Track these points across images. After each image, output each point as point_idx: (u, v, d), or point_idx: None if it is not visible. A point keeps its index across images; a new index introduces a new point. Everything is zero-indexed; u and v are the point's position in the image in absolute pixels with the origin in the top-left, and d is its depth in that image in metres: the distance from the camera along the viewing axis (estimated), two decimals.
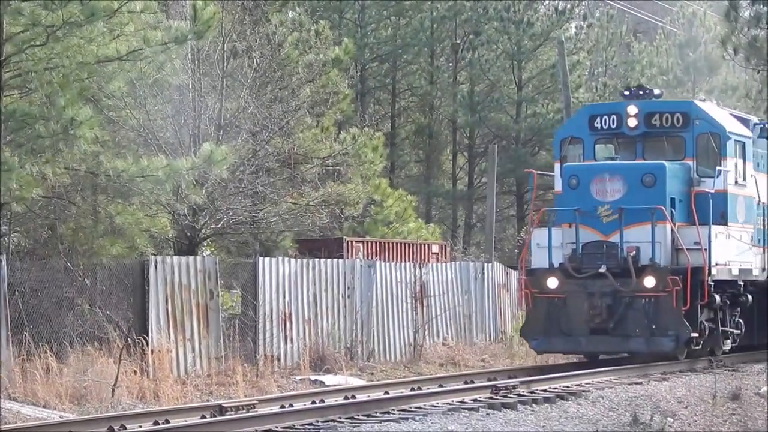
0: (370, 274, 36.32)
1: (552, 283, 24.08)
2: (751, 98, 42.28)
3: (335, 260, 35.99)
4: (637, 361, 29.16)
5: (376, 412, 21.67)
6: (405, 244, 45.18)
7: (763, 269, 26.79)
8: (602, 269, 23.32)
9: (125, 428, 19.37)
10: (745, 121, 27.79)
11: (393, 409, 22.25)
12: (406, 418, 20.92)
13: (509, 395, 23.90)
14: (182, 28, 30.82)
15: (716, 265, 23.90)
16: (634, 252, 23.01)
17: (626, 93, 27.13)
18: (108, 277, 29.65)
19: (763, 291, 27.46)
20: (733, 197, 25.24)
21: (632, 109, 25.94)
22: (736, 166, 25.57)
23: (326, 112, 41.11)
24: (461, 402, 22.97)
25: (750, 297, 26.68)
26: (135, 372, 26.44)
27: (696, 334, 24.19)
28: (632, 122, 25.82)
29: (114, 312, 28.54)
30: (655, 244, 23.10)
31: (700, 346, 25.35)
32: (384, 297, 36.43)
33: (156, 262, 30.09)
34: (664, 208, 23.54)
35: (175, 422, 20.20)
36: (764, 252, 27.05)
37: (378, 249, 41.25)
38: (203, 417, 21.18)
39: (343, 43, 43.80)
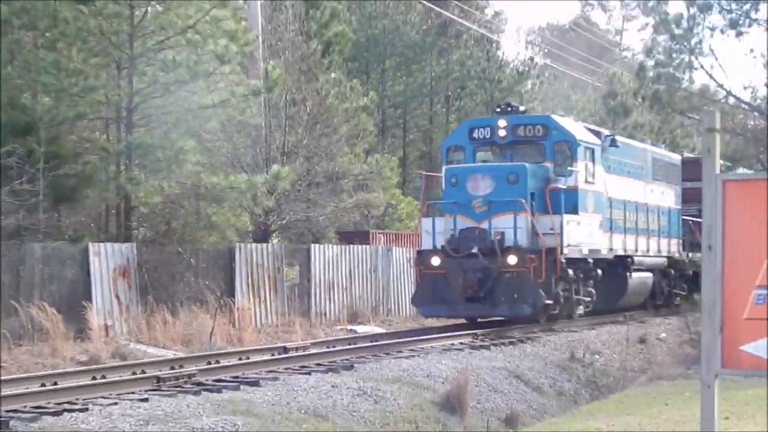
0: (389, 256, 37.16)
1: (435, 261, 23.83)
2: (654, 132, 42.13)
3: (364, 246, 36.52)
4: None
5: (392, 351, 22.00)
6: (413, 235, 45.18)
7: (610, 249, 26.77)
8: (474, 250, 23.05)
9: (219, 362, 19.52)
10: (597, 133, 27.85)
11: (403, 349, 22.45)
12: (413, 356, 21.19)
13: (485, 340, 23.89)
14: (257, 84, 31.87)
15: (568, 246, 23.77)
16: (499, 236, 22.88)
17: (498, 110, 27.21)
18: (207, 258, 30.07)
19: (610, 266, 27.36)
20: (584, 192, 25.08)
21: (502, 122, 25.69)
22: (586, 168, 25.42)
23: (357, 143, 41.23)
24: (451, 344, 23.16)
25: (600, 272, 26.53)
26: (225, 324, 26.71)
27: (551, 302, 23.89)
28: (502, 132, 25.54)
29: (211, 282, 28.82)
30: (517, 229, 22.94)
31: (557, 311, 25.04)
32: (398, 272, 36.68)
33: (240, 247, 30.81)
34: (524, 200, 23.15)
35: (253, 358, 20.28)
36: (611, 236, 26.87)
37: (394, 239, 41.58)
38: (272, 354, 21.48)
39: (369, 94, 43.98)
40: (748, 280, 8.65)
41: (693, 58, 40.71)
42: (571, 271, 24.73)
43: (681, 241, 33.39)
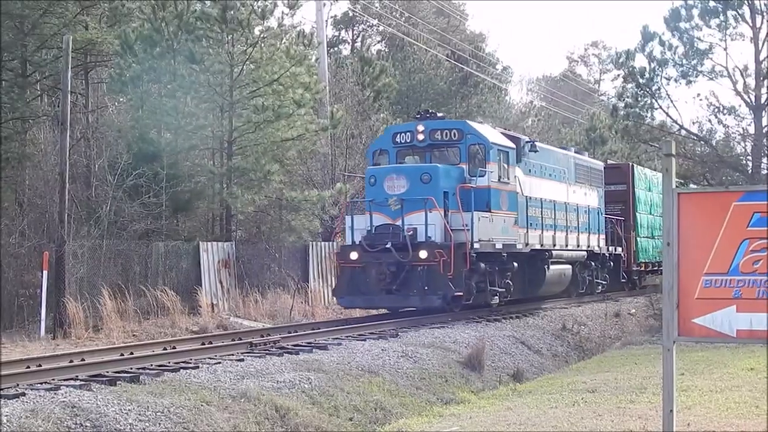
0: None
1: (353, 255, 21.18)
2: (624, 157, 41.80)
3: None
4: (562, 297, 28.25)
5: (427, 323, 21.04)
6: None
7: (526, 244, 23.94)
8: (388, 245, 20.39)
9: (296, 331, 19.46)
10: (516, 139, 24.92)
11: (435, 322, 21.38)
12: (443, 327, 20.73)
13: (497, 315, 23.33)
14: (325, 123, 31.99)
15: (479, 241, 20.94)
16: (411, 232, 20.20)
17: (417, 116, 24.60)
18: (287, 252, 30.25)
19: (529, 259, 24.67)
20: (496, 191, 22.26)
21: (420, 127, 22.89)
22: (499, 169, 22.58)
23: None
24: (470, 318, 22.35)
25: (516, 264, 23.57)
26: (301, 302, 26.83)
27: (461, 293, 20.72)
28: (420, 137, 22.77)
29: (290, 271, 28.92)
30: (428, 225, 20.23)
31: (470, 301, 21.73)
32: None
33: (312, 245, 30.92)
34: (434, 198, 20.50)
35: (323, 329, 19.96)
36: (527, 231, 24.04)
37: None
38: (336, 325, 20.82)
39: None
40: (698, 268, 8.57)
41: (654, 101, 40.59)
42: (483, 264, 21.79)
43: (604, 236, 30.62)
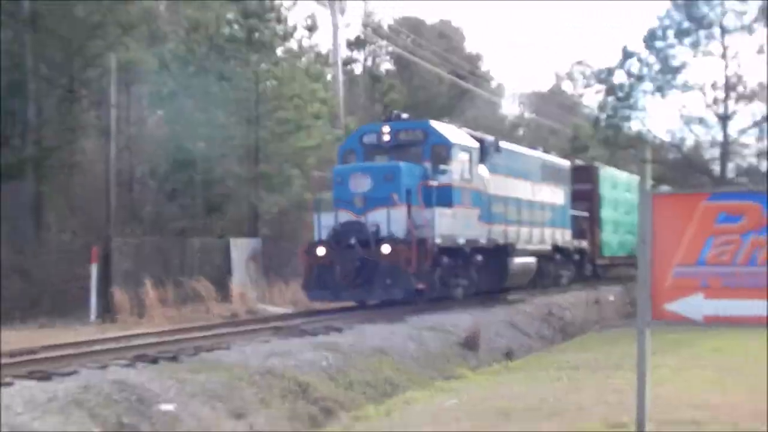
0: None
1: (321, 251, 19.54)
2: (605, 162, 41.49)
3: None
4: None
5: (430, 309, 20.59)
6: None
7: (488, 238, 22.12)
8: (352, 241, 18.84)
9: (315, 315, 19.60)
10: (480, 139, 23.18)
11: (437, 308, 20.85)
12: (444, 312, 20.47)
13: (491, 302, 23.26)
14: (340, 133, 32.29)
15: (441, 236, 19.45)
16: (375, 228, 18.70)
17: (383, 118, 23.55)
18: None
19: (494, 253, 22.71)
20: (459, 189, 20.63)
21: (386, 128, 21.31)
22: (462, 167, 21.02)
23: None
24: (467, 305, 21.59)
25: (480, 258, 21.87)
26: None
27: (423, 286, 19.19)
28: (386, 137, 21.11)
29: None
30: (391, 222, 18.72)
31: (435, 294, 20.27)
32: None
33: None
34: (396, 195, 18.99)
35: (338, 315, 20.00)
36: (491, 227, 22.26)
37: None
38: (350, 311, 20.63)
39: None
40: (669, 260, 8.58)
41: (631, 112, 40.55)
42: (446, 259, 20.37)
43: (570, 231, 29.01)
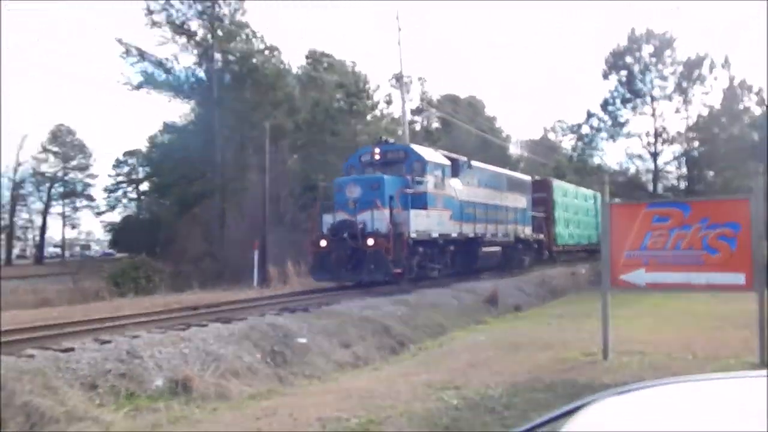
0: None
1: (323, 243, 17.17)
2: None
3: None
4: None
5: (466, 279, 20.38)
6: None
7: (460, 233, 19.60)
8: (345, 235, 16.66)
9: (395, 284, 19.37)
10: (455, 159, 20.81)
11: (470, 278, 20.68)
12: (474, 280, 20.32)
13: (505, 273, 22.78)
14: None
15: (416, 231, 17.23)
16: (362, 225, 16.53)
17: (375, 142, 20.34)
18: None
19: (467, 244, 20.33)
20: (433, 195, 18.37)
21: (376, 150, 18.97)
22: (435, 179, 18.65)
23: None
24: (488, 276, 21.62)
25: (453, 248, 19.63)
26: None
27: (401, 271, 16.99)
28: (377, 156, 18.82)
29: None
30: (375, 220, 16.64)
31: (413, 275, 17.85)
32: None
33: None
34: (379, 201, 16.80)
35: (408, 284, 19.68)
36: (461, 224, 19.71)
37: None
38: (415, 281, 19.58)
39: None
40: (622, 247, 8.44)
41: (593, 152, 40.28)
42: (422, 248, 18.04)
43: (531, 227, 26.28)
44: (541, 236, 27.27)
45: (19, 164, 51.44)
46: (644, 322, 11.88)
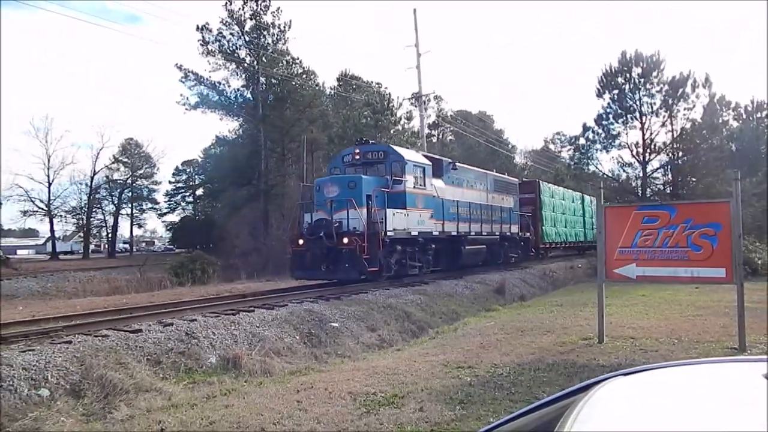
0: None
1: (301, 242, 15.04)
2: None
3: None
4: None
5: (478, 271, 20.05)
6: None
7: (441, 231, 17.54)
8: (321, 234, 14.52)
9: (415, 276, 19.05)
10: (438, 160, 18.75)
11: (481, 271, 20.02)
12: (486, 273, 19.88)
13: (511, 267, 22.45)
14: None
15: (393, 230, 15.19)
16: (337, 224, 14.58)
17: (356, 142, 17.89)
18: None
19: (450, 242, 18.40)
20: (412, 194, 16.23)
21: (357, 150, 16.85)
22: (415, 179, 16.50)
23: None
24: (499, 269, 21.32)
25: (434, 246, 17.56)
26: None
27: (376, 269, 14.75)
28: (357, 156, 16.70)
29: None
30: (350, 219, 14.71)
31: (392, 273, 15.71)
32: None
33: None
34: (356, 199, 14.83)
35: (427, 276, 19.41)
36: (443, 223, 17.63)
37: None
38: (433, 273, 19.42)
39: None
40: (615, 245, 8.32)
41: (588, 161, 39.82)
42: (400, 246, 15.87)
43: (518, 225, 24.12)
44: (528, 234, 25.37)
45: (94, 173, 52.51)
46: (634, 310, 11.68)
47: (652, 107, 37.06)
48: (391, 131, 33.34)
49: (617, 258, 8.30)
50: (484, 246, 20.72)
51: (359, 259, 14.21)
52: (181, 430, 5.03)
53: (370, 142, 18.47)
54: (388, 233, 15.01)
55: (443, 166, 18.68)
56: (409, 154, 17.22)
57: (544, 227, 27.68)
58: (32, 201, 49.41)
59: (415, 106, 39.73)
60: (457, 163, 19.88)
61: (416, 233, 16.36)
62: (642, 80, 36.74)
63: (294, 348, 9.54)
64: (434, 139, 56.75)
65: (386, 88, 44.13)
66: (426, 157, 18.08)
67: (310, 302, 12.12)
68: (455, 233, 18.56)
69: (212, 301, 12.94)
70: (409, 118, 40.79)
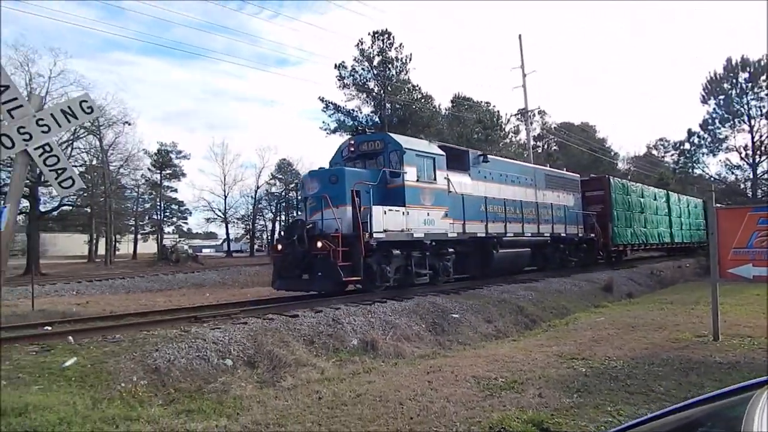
0: None
1: (279, 246, 11.41)
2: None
3: None
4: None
5: (584, 270, 19.01)
6: None
7: (462, 232, 13.49)
8: (295, 238, 10.97)
9: (528, 273, 18.23)
10: (463, 151, 14.86)
11: (586, 270, 18.96)
12: (591, 272, 18.60)
13: (617, 267, 20.92)
14: None
15: (383, 231, 11.29)
16: (311, 226, 11.20)
17: (353, 133, 13.11)
18: None
19: (474, 245, 14.25)
20: (414, 189, 12.19)
21: (353, 142, 12.93)
22: (417, 170, 12.31)
23: None
24: (604, 268, 19.93)
25: (452, 249, 13.44)
26: None
27: (358, 278, 10.92)
28: (353, 149, 12.78)
29: None
30: (326, 220, 11.15)
31: (390, 283, 11.86)
32: None
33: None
34: (335, 196, 11.13)
35: (538, 275, 18.73)
36: (463, 223, 13.54)
37: None
38: (542, 272, 18.50)
39: None
40: (729, 245, 7.51)
41: (693, 164, 36.22)
42: (397, 251, 11.88)
43: (582, 226, 19.76)
44: (593, 235, 20.51)
45: (257, 187, 57.67)
46: (749, 309, 10.38)
47: (761, 110, 33.11)
48: (500, 144, 32.59)
49: (731, 258, 7.46)
50: (528, 249, 16.41)
51: (334, 266, 10.61)
52: (334, 399, 5.28)
53: (368, 131, 14.03)
54: (376, 235, 11.16)
55: (468, 158, 14.60)
56: (410, 142, 13.17)
57: (615, 228, 21.98)
58: (213, 210, 56.60)
59: (522, 121, 38.61)
60: (489, 156, 15.51)
61: (421, 235, 12.31)
62: (750, 84, 32.94)
63: (421, 335, 9.63)
64: (539, 150, 54.62)
65: (494, 106, 43.09)
66: (443, 147, 13.91)
67: (433, 296, 12.12)
68: (483, 235, 14.35)
69: (351, 294, 13.13)
70: (516, 132, 39.68)
